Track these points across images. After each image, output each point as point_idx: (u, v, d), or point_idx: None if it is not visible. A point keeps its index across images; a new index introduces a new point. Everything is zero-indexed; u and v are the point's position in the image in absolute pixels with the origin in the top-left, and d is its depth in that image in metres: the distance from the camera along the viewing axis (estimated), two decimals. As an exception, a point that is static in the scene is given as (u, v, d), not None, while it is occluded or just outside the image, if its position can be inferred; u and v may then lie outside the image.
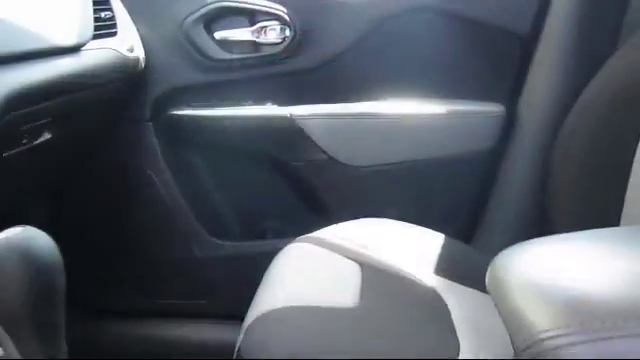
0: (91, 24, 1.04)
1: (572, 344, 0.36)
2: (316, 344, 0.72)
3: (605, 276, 0.44)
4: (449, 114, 1.26)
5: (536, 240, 0.52)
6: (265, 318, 0.77)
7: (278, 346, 0.72)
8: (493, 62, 1.27)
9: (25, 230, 0.47)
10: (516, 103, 1.24)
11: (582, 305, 0.40)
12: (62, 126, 0.98)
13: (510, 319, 0.42)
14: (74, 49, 0.96)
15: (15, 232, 0.46)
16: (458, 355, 0.76)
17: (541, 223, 1.18)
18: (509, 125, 1.25)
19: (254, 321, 0.77)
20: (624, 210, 0.97)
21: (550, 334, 0.37)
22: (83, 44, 0.99)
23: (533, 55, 1.22)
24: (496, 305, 0.45)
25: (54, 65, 0.89)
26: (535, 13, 1.21)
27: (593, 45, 1.15)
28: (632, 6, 1.13)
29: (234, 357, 0.78)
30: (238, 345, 0.77)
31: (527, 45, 1.22)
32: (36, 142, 0.93)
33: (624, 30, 1.13)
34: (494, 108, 1.26)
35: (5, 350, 0.46)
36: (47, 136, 0.96)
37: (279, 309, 0.79)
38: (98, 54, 1.05)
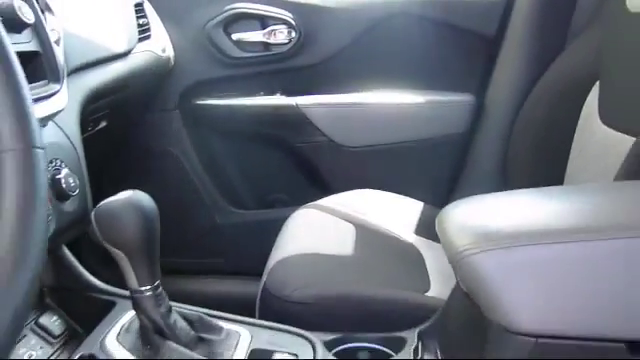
0: (136, 32, 1.22)
1: (479, 253, 0.53)
2: (320, 278, 0.92)
3: (514, 213, 0.61)
4: (427, 103, 1.40)
5: (476, 196, 0.72)
6: (283, 263, 0.97)
7: (293, 281, 0.91)
8: (464, 59, 1.41)
9: (135, 192, 0.68)
10: (484, 94, 1.39)
11: (491, 229, 0.56)
12: (114, 116, 1.17)
13: (446, 247, 0.59)
14: (125, 54, 1.14)
15: (129, 194, 0.67)
16: (427, 292, 0.96)
17: (503, 187, 1.31)
18: (478, 112, 1.39)
19: (274, 265, 0.96)
20: (566, 174, 1.14)
21: (465, 248, 0.54)
22: (131, 49, 1.17)
23: (498, 53, 1.36)
24: (441, 241, 0.64)
25: (112, 69, 1.07)
26: (499, 18, 1.35)
27: (546, 45, 1.28)
28: (577, 12, 1.26)
29: (259, 298, 0.97)
30: (262, 283, 0.95)
31: (493, 45, 1.37)
32: (97, 129, 1.14)
33: (570, 32, 1.27)
34: (465, 98, 1.40)
35: (124, 270, 0.69)
36: (103, 124, 1.16)
37: (293, 256, 0.99)
38: (141, 56, 1.22)
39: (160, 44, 1.34)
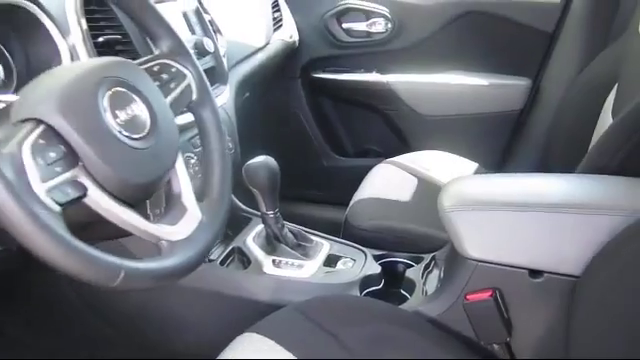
0: (272, 26, 1.64)
1: (453, 212, 0.86)
2: (381, 215, 1.32)
3: (488, 189, 0.90)
4: (491, 84, 1.70)
5: (474, 175, 1.06)
6: (360, 202, 1.38)
7: (364, 216, 1.32)
8: (525, 50, 1.68)
9: (266, 157, 1.13)
10: (539, 79, 1.66)
11: (466, 198, 0.86)
12: (255, 88, 1.60)
13: (438, 206, 0.89)
14: (264, 46, 1.57)
15: (262, 158, 1.12)
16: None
17: (546, 160, 1.54)
18: (533, 94, 1.67)
19: (354, 203, 1.38)
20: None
21: (447, 208, 0.88)
22: (269, 42, 1.61)
23: (554, 47, 1.63)
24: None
25: (255, 59, 1.51)
26: (557, 19, 1.61)
27: (591, 43, 1.52)
28: (616, 19, 1.48)
29: (343, 223, 1.38)
30: (345, 215, 1.37)
31: (550, 40, 1.63)
32: (243, 98, 1.60)
33: (610, 35, 1.48)
34: (523, 82, 1.68)
35: (258, 200, 1.15)
36: (247, 94, 1.62)
37: (367, 199, 1.39)
38: (275, 44, 1.64)
39: (289, 31, 1.76)
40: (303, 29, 1.83)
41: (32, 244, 0.52)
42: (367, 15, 1.79)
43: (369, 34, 1.80)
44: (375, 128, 1.90)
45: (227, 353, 0.85)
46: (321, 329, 0.88)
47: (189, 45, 0.92)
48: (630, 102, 0.94)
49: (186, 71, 0.83)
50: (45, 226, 0.53)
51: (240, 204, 1.29)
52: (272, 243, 1.16)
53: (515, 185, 0.96)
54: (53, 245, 0.53)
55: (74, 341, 1.22)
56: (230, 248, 1.18)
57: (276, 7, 1.73)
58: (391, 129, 1.89)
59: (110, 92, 0.66)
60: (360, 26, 1.80)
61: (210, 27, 1.21)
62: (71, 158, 0.60)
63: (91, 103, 0.64)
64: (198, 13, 1.20)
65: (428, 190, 1.43)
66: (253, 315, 0.93)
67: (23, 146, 0.56)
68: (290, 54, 1.80)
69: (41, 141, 0.58)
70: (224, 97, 1.22)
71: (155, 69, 0.78)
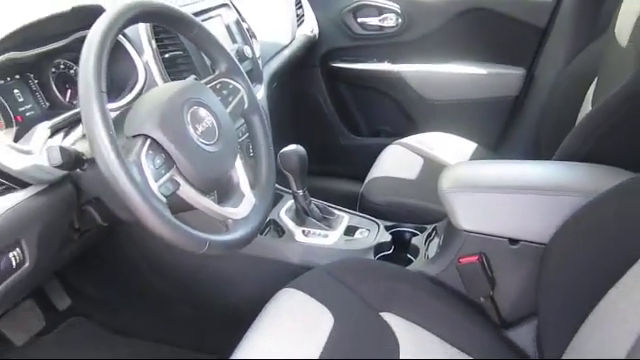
0: (296, 23, 1.83)
1: (453, 193, 1.07)
2: (391, 192, 1.52)
3: (482, 174, 1.10)
4: (490, 72, 1.88)
5: (471, 161, 1.27)
6: (374, 180, 1.58)
7: (377, 192, 1.53)
8: (521, 42, 1.84)
9: (297, 146, 1.35)
10: (532, 69, 1.83)
11: (461, 181, 1.08)
12: (281, 78, 1.78)
13: (438, 187, 1.10)
14: (291, 42, 1.77)
15: (293, 147, 1.36)
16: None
17: (539, 141, 1.64)
18: (527, 82, 1.84)
19: (369, 180, 1.59)
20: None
21: (445, 190, 1.09)
22: (294, 37, 1.81)
23: (546, 40, 1.80)
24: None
25: (282, 55, 1.70)
26: (549, 15, 1.77)
27: (578, 38, 1.66)
28: (602, 14, 1.61)
29: (359, 198, 1.61)
30: (361, 191, 1.57)
31: (542, 34, 1.80)
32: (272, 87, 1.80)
33: (596, 30, 1.58)
34: (519, 71, 1.86)
35: (290, 181, 1.38)
36: (275, 84, 1.83)
37: (379, 177, 1.59)
38: (299, 39, 1.83)
39: (310, 26, 1.95)
40: (322, 23, 2.01)
41: (152, 227, 0.76)
42: (380, 11, 1.97)
43: (381, 28, 1.98)
44: (386, 111, 2.09)
45: (272, 304, 1.09)
46: (344, 285, 1.11)
47: (232, 53, 1.13)
48: (605, 96, 1.07)
49: (239, 86, 1.05)
50: (161, 214, 0.76)
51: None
52: (301, 216, 1.39)
53: (499, 172, 1.17)
54: (166, 227, 0.77)
55: (140, 296, 1.47)
56: (267, 221, 1.41)
57: (299, 4, 1.92)
58: (401, 112, 2.07)
59: (191, 110, 0.89)
60: (373, 20, 1.98)
61: (248, 35, 1.42)
62: (169, 162, 0.84)
63: (179, 120, 0.87)
64: (238, 24, 1.41)
65: (432, 169, 1.62)
66: (287, 275, 1.15)
67: (141, 156, 0.79)
68: (311, 46, 1.98)
69: (150, 151, 0.81)
70: (260, 94, 1.43)
71: (217, 86, 1.01)
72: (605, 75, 1.28)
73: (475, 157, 1.70)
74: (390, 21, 1.97)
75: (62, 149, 0.79)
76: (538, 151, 1.59)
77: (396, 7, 1.94)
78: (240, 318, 1.07)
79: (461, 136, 1.78)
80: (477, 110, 1.94)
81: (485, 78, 1.92)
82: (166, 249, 1.21)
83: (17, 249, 0.80)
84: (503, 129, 1.93)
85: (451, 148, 1.73)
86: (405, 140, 1.77)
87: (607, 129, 1.08)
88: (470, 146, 1.76)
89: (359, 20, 1.99)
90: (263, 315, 1.06)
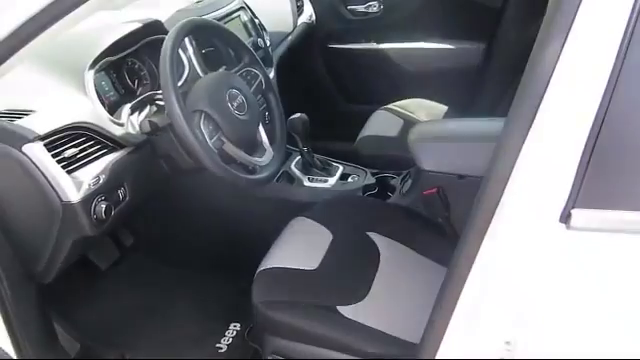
0: (297, 13, 2.18)
1: (419, 143, 1.42)
2: (381, 145, 1.93)
3: (445, 129, 1.51)
4: (458, 48, 2.20)
5: (436, 120, 1.64)
6: (365, 137, 1.91)
7: (369, 147, 1.92)
8: (479, 21, 2.12)
9: (301, 114, 1.72)
10: (491, 43, 2.12)
11: (425, 132, 1.44)
12: (287, 60, 2.16)
13: (407, 140, 1.54)
14: (293, 30, 2.12)
15: (298, 115, 1.71)
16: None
17: (498, 103, 1.91)
18: (487, 54, 2.14)
19: (360, 139, 1.91)
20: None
21: (412, 141, 1.43)
22: (296, 26, 2.16)
23: (501, 18, 2.06)
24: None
25: (287, 41, 2.04)
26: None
27: (528, 17, 1.95)
28: None
29: (353, 151, 2.00)
30: (354, 146, 1.98)
31: (497, 13, 2.06)
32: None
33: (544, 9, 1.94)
34: (479, 45, 2.16)
35: (297, 140, 1.75)
36: (282, 66, 2.18)
37: (370, 135, 1.89)
38: (300, 27, 2.15)
39: (308, 14, 2.28)
40: (318, 10, 2.33)
41: (210, 167, 1.14)
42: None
43: (366, 14, 2.29)
44: (374, 83, 2.37)
45: (288, 229, 1.47)
46: (341, 213, 1.50)
47: (249, 45, 1.50)
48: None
49: (258, 72, 1.42)
50: (216, 160, 1.15)
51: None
52: (307, 167, 1.77)
53: (453, 127, 1.54)
54: (219, 168, 1.15)
55: (188, 234, 1.85)
56: (281, 172, 1.80)
57: (298, -4, 2.26)
58: (386, 83, 2.35)
59: (229, 92, 1.26)
60: (360, 8, 2.29)
61: (259, 29, 1.78)
62: (216, 128, 1.21)
63: (222, 99, 1.24)
64: (252, 21, 1.77)
65: (409, 128, 1.84)
66: (298, 209, 1.50)
67: (201, 124, 1.17)
68: (310, 32, 2.29)
69: (205, 120, 1.19)
70: (271, 74, 1.80)
71: (243, 74, 1.38)
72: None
73: (446, 118, 2.00)
74: (374, 8, 2.27)
75: (150, 122, 1.17)
76: (499, 109, 1.82)
77: (377, -4, 2.26)
78: (265, 241, 1.42)
79: (436, 101, 2.06)
80: (448, 79, 2.21)
81: (453, 52, 2.22)
82: (212, 196, 1.58)
83: (122, 188, 1.19)
84: (470, 94, 2.20)
85: (426, 111, 2.02)
86: (390, 106, 2.05)
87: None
88: (442, 109, 2.04)
89: (348, 8, 2.30)
90: (282, 236, 1.44)
